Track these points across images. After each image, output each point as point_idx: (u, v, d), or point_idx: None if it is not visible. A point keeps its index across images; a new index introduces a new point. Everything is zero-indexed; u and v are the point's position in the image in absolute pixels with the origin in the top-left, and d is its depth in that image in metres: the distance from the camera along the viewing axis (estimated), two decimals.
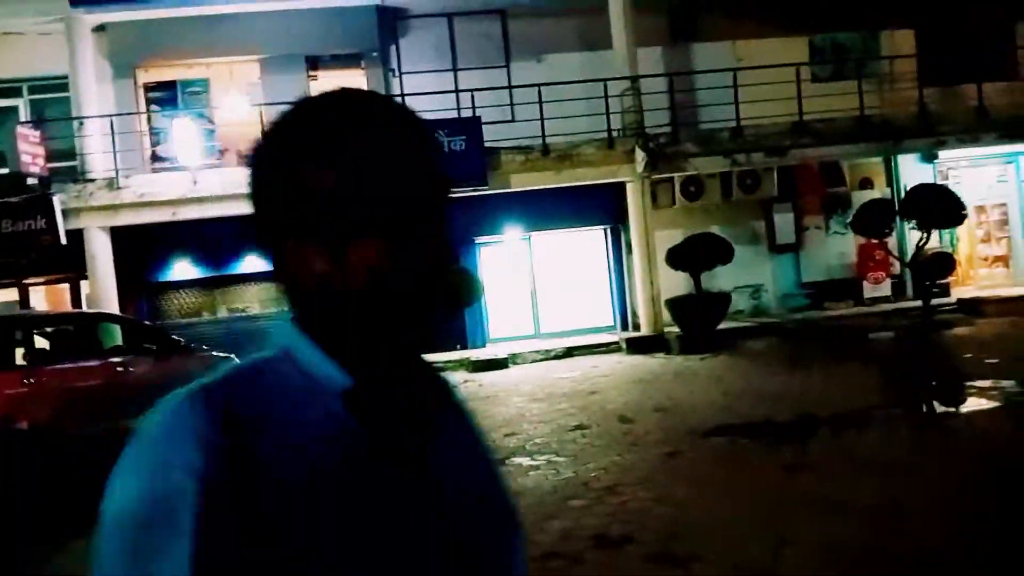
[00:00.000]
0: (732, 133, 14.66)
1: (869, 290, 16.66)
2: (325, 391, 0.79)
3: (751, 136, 14.65)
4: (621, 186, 15.00)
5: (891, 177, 17.24)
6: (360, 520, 0.75)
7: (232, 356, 10.14)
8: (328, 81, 16.44)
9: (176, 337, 9.50)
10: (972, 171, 17.15)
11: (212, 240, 14.84)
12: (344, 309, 0.80)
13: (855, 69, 15.60)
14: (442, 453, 0.84)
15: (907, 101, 15.42)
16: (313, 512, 0.73)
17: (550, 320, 15.96)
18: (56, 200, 12.94)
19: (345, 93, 0.84)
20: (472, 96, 13.91)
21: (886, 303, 16.30)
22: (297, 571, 0.71)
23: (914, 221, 13.77)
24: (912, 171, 16.73)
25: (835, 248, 16.90)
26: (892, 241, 15.25)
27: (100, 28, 15.13)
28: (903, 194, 15.13)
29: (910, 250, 14.83)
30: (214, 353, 10.13)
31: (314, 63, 16.48)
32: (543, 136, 13.84)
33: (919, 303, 14.33)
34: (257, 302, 15.88)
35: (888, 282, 16.71)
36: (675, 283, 14.17)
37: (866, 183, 17.13)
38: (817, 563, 4.21)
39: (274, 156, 0.83)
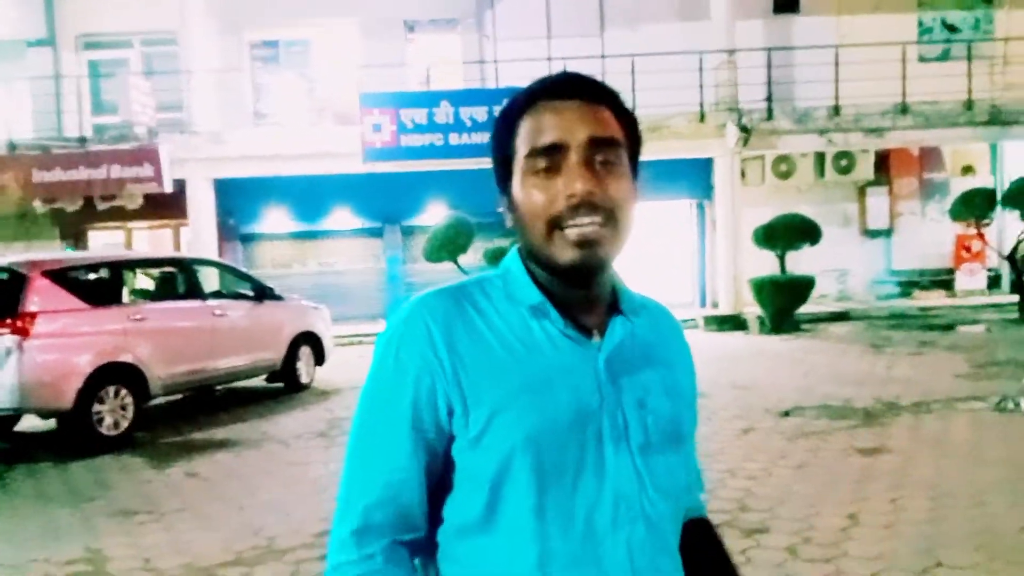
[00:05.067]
0: (829, 112, 14.29)
1: (963, 281, 16.12)
2: (521, 302, 1.11)
3: (849, 115, 14.24)
4: (710, 161, 14.82)
5: (995, 164, 16.54)
6: (534, 376, 1.06)
7: (321, 306, 10.55)
8: (424, 45, 16.67)
9: (270, 286, 9.90)
10: None
11: (305, 195, 15.32)
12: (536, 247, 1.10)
13: (965, 50, 14.94)
14: (618, 341, 1.11)
15: (1020, 86, 14.72)
16: (500, 372, 1.06)
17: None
18: (163, 150, 13.54)
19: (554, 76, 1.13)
20: (564, 64, 13.84)
21: (980, 296, 15.76)
22: (484, 409, 1.04)
23: (1017, 212, 13.21)
24: (1018, 159, 16.00)
25: (929, 236, 16.37)
26: (991, 232, 14.67)
27: None
28: (1007, 183, 14.49)
29: (1010, 242, 14.25)
30: (304, 302, 10.53)
31: (411, 26, 16.70)
32: (633, 107, 13.63)
33: (1015, 297, 13.79)
34: (345, 257, 16.35)
35: (984, 274, 16.13)
36: (759, 262, 13.97)
37: (968, 170, 16.49)
38: (886, 540, 4.22)
39: (495, 128, 1.14)
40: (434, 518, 1.10)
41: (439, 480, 1.09)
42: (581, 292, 1.12)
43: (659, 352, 1.17)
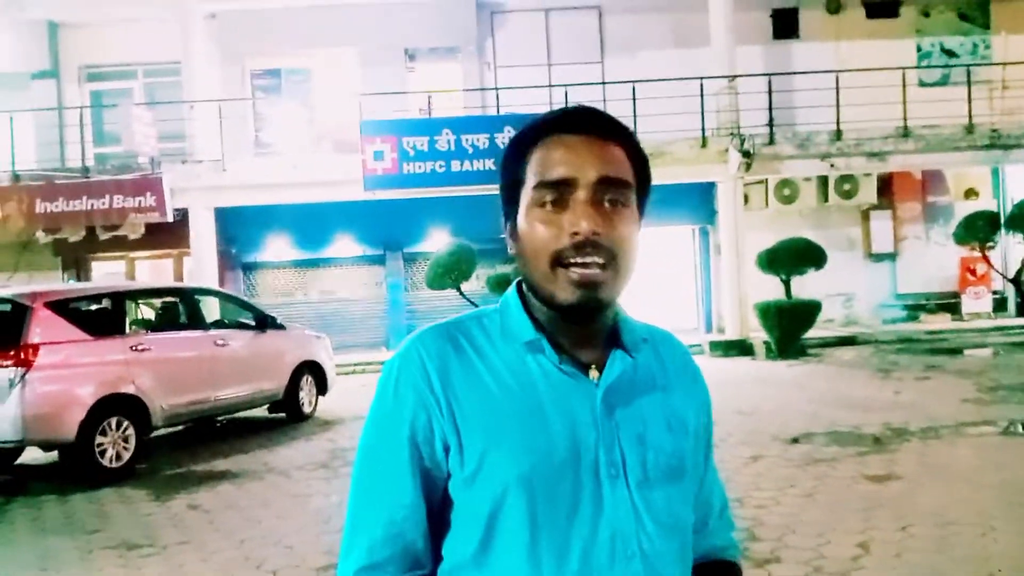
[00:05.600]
0: (831, 136, 14.32)
1: (968, 305, 16.05)
2: (517, 338, 1.10)
3: (851, 140, 14.27)
4: (712, 186, 14.84)
5: (998, 188, 16.56)
6: (528, 413, 1.06)
7: (323, 335, 10.51)
8: (425, 73, 16.78)
9: (272, 315, 9.87)
10: None
11: (307, 224, 15.35)
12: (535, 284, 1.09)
13: (964, 74, 15.00)
14: (616, 376, 1.10)
15: (1020, 110, 14.76)
16: (494, 409, 1.06)
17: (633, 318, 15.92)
18: (165, 179, 13.59)
19: (567, 109, 1.13)
20: (565, 91, 13.97)
21: (986, 319, 15.69)
22: (478, 446, 1.04)
23: (1020, 235, 13.20)
24: (1020, 183, 16.02)
25: (934, 259, 16.35)
26: (996, 255, 14.64)
27: (212, 16, 15.79)
28: (1010, 206, 14.49)
29: (1014, 265, 14.22)
30: (307, 331, 10.49)
31: (412, 55, 16.83)
32: (635, 133, 13.72)
33: (1021, 320, 13.74)
34: (346, 285, 16.34)
35: (989, 297, 16.07)
36: (764, 287, 13.93)
37: (970, 193, 16.50)
38: (896, 569, 4.15)
39: (506, 153, 1.13)
40: (434, 556, 1.10)
41: (438, 517, 1.09)
42: (578, 328, 1.11)
43: (662, 383, 1.15)
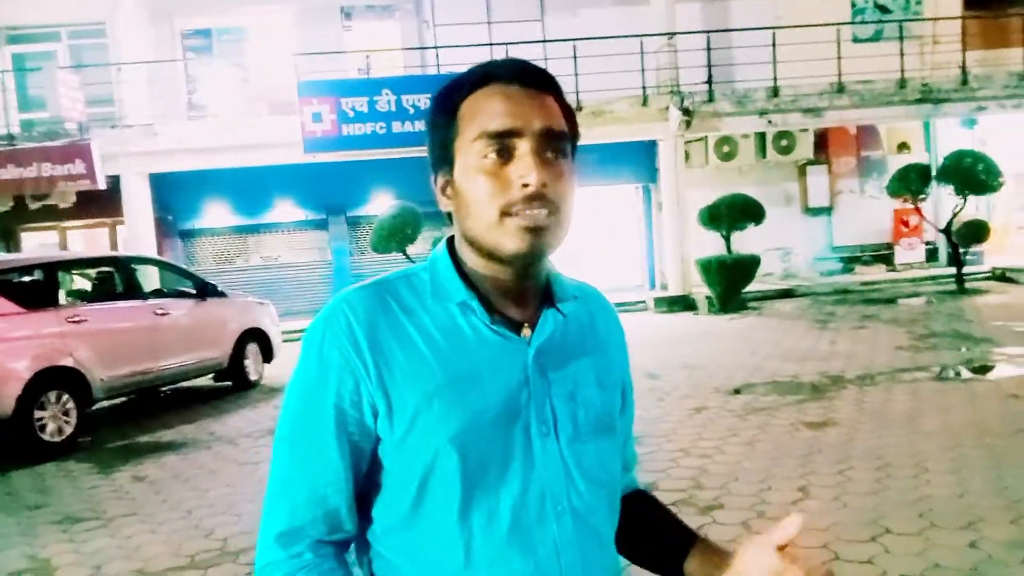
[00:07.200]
0: (768, 93, 14.49)
1: (902, 256, 16.56)
2: (448, 298, 1.08)
3: (788, 96, 14.47)
4: (654, 144, 14.92)
5: (929, 141, 16.99)
6: (459, 374, 1.04)
7: (267, 301, 10.37)
8: (362, 32, 16.43)
9: (212, 282, 9.69)
10: (1012, 138, 16.83)
11: (245, 188, 15.04)
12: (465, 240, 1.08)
13: (897, 30, 15.27)
14: (548, 335, 1.10)
15: (949, 64, 15.12)
16: (425, 371, 1.04)
17: (577, 277, 16.02)
18: (95, 145, 13.13)
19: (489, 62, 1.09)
20: (506, 50, 13.84)
21: (919, 269, 16.20)
22: (408, 410, 1.02)
23: (951, 187, 13.59)
24: (951, 136, 16.47)
25: (869, 212, 16.77)
26: (927, 207, 15.08)
27: None
28: (940, 159, 14.90)
29: (945, 216, 14.67)
30: (250, 298, 10.33)
31: (348, 13, 16.46)
32: (576, 92, 13.78)
33: (952, 270, 14.22)
34: (289, 251, 16.10)
35: (922, 248, 16.60)
36: (705, 243, 14.15)
37: (903, 147, 16.91)
38: (835, 511, 4.32)
39: (434, 107, 1.09)
40: (364, 518, 1.09)
41: (367, 481, 1.07)
42: (514, 284, 1.09)
43: (592, 341, 1.16)
